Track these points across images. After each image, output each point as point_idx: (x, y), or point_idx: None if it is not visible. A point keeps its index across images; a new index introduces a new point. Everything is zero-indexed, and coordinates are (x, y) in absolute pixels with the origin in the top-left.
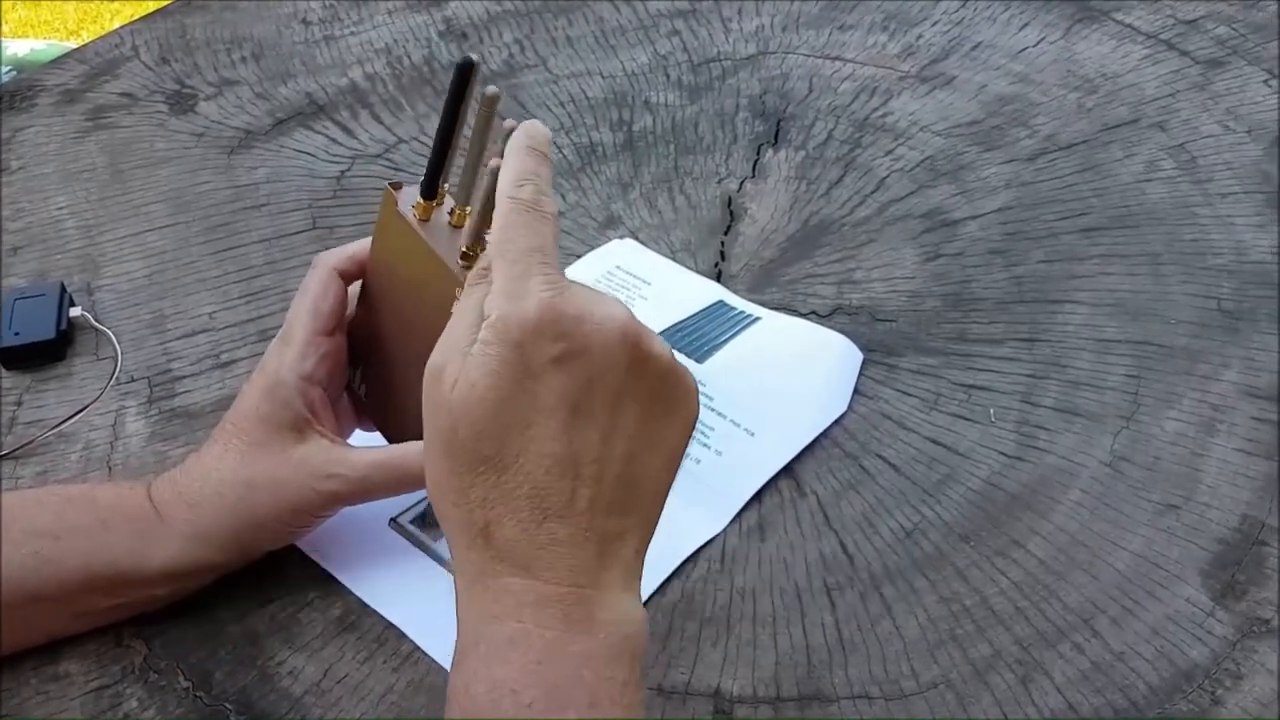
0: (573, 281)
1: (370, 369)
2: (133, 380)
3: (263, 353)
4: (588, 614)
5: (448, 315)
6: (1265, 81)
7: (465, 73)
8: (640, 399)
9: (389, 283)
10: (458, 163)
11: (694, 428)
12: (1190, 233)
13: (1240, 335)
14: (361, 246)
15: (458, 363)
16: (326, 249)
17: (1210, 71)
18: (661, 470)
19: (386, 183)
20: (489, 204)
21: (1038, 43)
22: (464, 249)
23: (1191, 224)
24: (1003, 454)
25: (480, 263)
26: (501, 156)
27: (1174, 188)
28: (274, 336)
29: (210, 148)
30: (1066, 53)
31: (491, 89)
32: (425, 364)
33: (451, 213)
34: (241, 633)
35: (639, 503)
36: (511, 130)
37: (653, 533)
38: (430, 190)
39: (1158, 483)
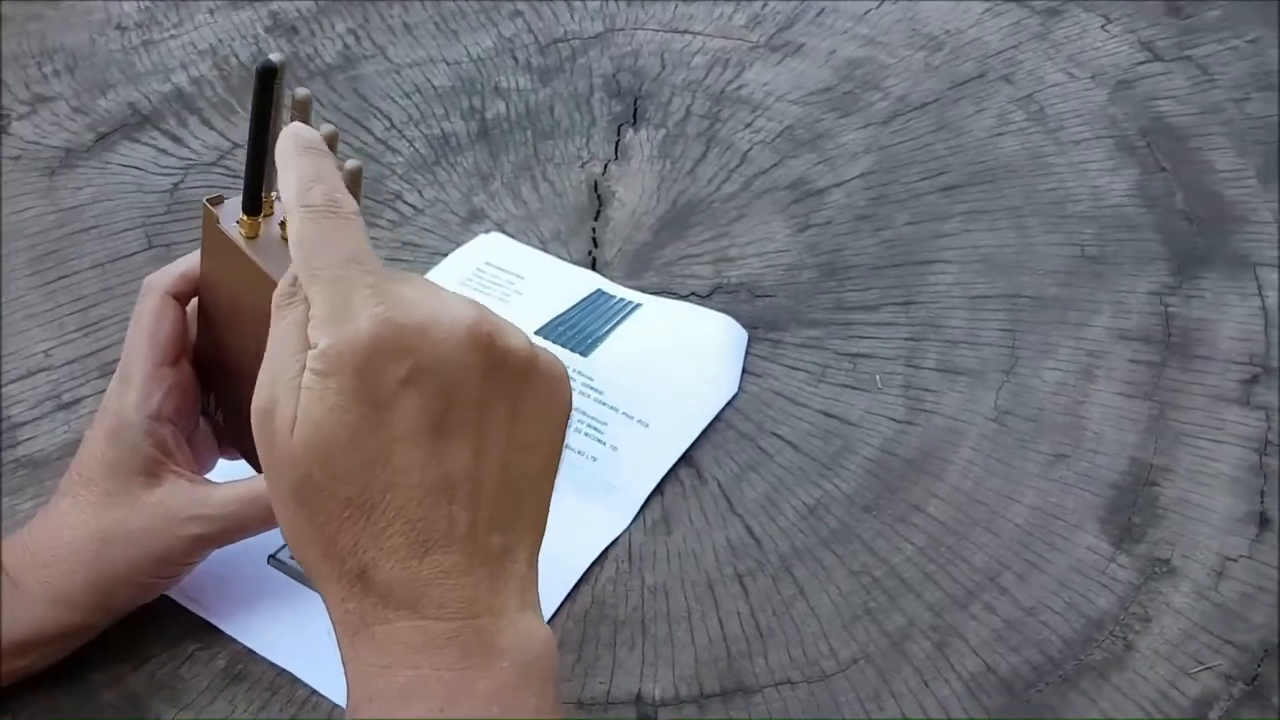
0: (402, 278)
1: (222, 391)
2: None
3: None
4: (487, 645)
5: None
6: (1103, 26)
7: (267, 78)
8: (506, 402)
9: (225, 301)
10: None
11: (569, 418)
12: (1047, 183)
13: (1107, 280)
14: (193, 262)
15: (290, 400)
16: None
17: (1049, 20)
18: (541, 471)
19: (203, 199)
20: None
21: (880, 3)
22: None
23: (1047, 174)
24: (893, 419)
25: (285, 278)
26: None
27: (1026, 139)
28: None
29: (28, 171)
30: (909, 12)
31: (302, 91)
32: None
33: (282, 224)
34: (119, 697)
35: (523, 512)
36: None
37: (541, 539)
38: (252, 205)
39: (1044, 433)
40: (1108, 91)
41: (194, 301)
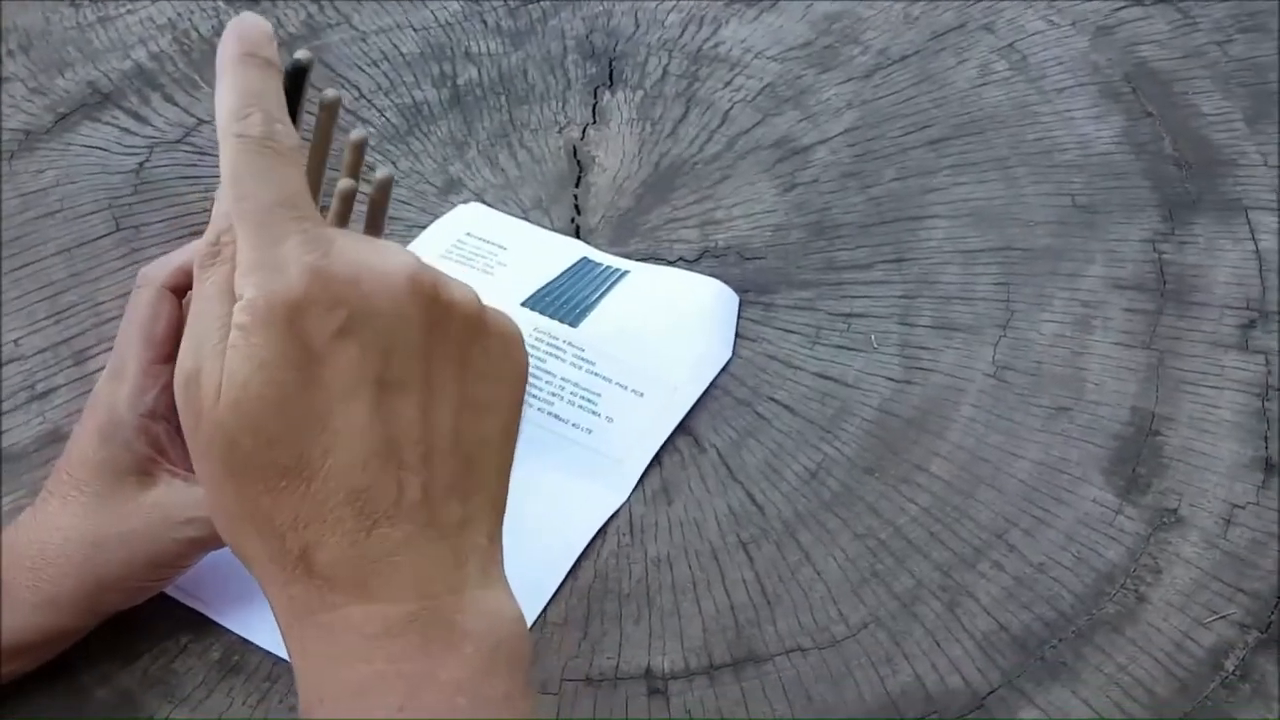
0: (337, 232)
1: None
2: None
3: (83, 376)
4: (449, 628)
5: None
6: None
7: (298, 78)
8: (452, 357)
9: None
10: None
11: (526, 381)
12: (1033, 132)
13: (1098, 229)
14: (189, 254)
15: (215, 364)
16: (135, 251)
17: None
18: (499, 437)
19: (214, 192)
20: (342, 225)
21: None
22: None
23: (1033, 123)
24: (890, 379)
25: (208, 235)
26: (351, 175)
27: (1010, 89)
28: (93, 358)
29: None
30: None
31: (331, 92)
32: None
33: None
34: (112, 695)
35: (482, 480)
36: (361, 142)
37: (503, 512)
38: None
39: (1044, 387)
40: (1089, 38)
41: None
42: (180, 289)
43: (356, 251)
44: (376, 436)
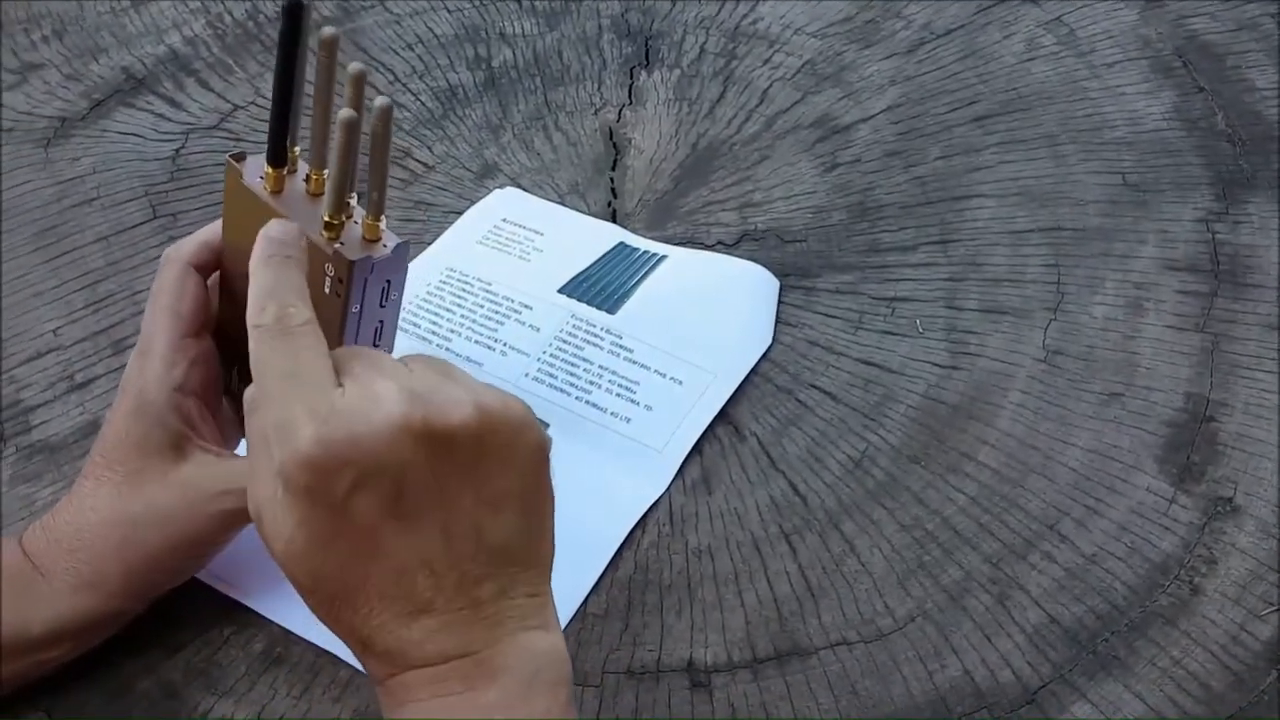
0: (344, 364)
1: (245, 365)
2: None
3: (121, 366)
4: (488, 668)
5: (319, 296)
6: None
7: (295, 15)
8: (464, 475)
9: (247, 266)
10: (305, 123)
11: (545, 451)
12: (1083, 108)
13: (1150, 208)
14: (214, 232)
15: (270, 511)
16: (172, 239)
17: None
18: (526, 518)
19: (227, 155)
20: (346, 162)
21: None
22: (326, 218)
23: (1082, 99)
24: (936, 365)
25: (249, 389)
26: (351, 105)
27: (1058, 63)
28: (131, 347)
29: (23, 143)
30: None
31: (329, 30)
32: None
33: (308, 178)
34: (155, 686)
35: (513, 557)
36: (360, 75)
37: (550, 562)
38: (277, 156)
39: (1096, 372)
40: (1138, 10)
41: (216, 274)
42: (204, 266)
43: (352, 412)
44: (403, 559)
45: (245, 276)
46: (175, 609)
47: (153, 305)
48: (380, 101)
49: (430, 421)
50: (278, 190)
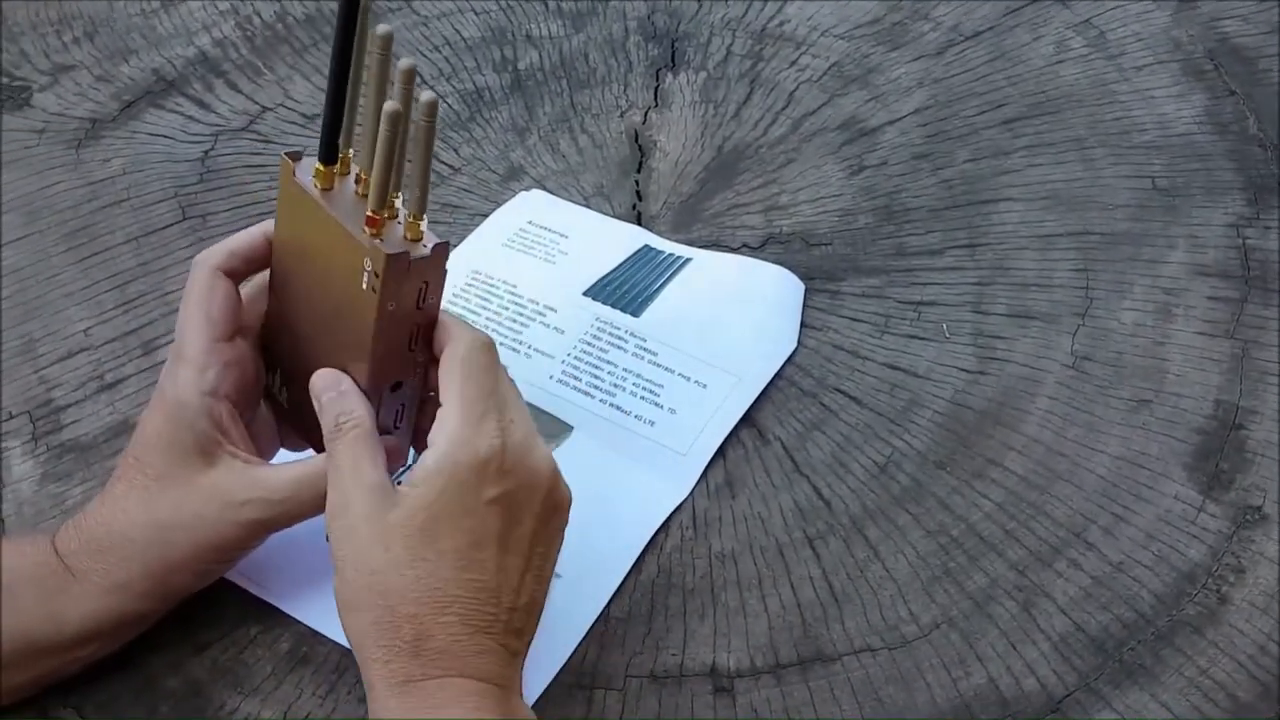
0: (514, 407)
1: (290, 368)
2: (11, 417)
3: (152, 367)
4: (511, 709)
5: (356, 292)
6: None
7: (351, 11)
8: (546, 540)
9: (298, 267)
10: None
11: (565, 528)
12: (1112, 111)
13: (1179, 212)
14: (242, 240)
15: (346, 546)
16: (201, 241)
17: None
18: (546, 583)
19: (283, 152)
20: (389, 157)
21: None
22: (369, 213)
23: (1111, 102)
24: (963, 370)
25: (327, 419)
26: (400, 100)
27: (1087, 66)
28: (161, 348)
29: (54, 144)
30: None
31: (383, 27)
32: (344, 353)
33: (358, 179)
34: (181, 684)
35: (531, 623)
36: (410, 70)
37: (539, 618)
38: (329, 154)
39: (1125, 378)
40: (1169, 13)
41: (256, 278)
42: (234, 273)
43: (528, 438)
44: (490, 580)
45: (296, 273)
46: (202, 608)
47: (184, 309)
48: (426, 96)
49: (558, 488)
50: (328, 188)
